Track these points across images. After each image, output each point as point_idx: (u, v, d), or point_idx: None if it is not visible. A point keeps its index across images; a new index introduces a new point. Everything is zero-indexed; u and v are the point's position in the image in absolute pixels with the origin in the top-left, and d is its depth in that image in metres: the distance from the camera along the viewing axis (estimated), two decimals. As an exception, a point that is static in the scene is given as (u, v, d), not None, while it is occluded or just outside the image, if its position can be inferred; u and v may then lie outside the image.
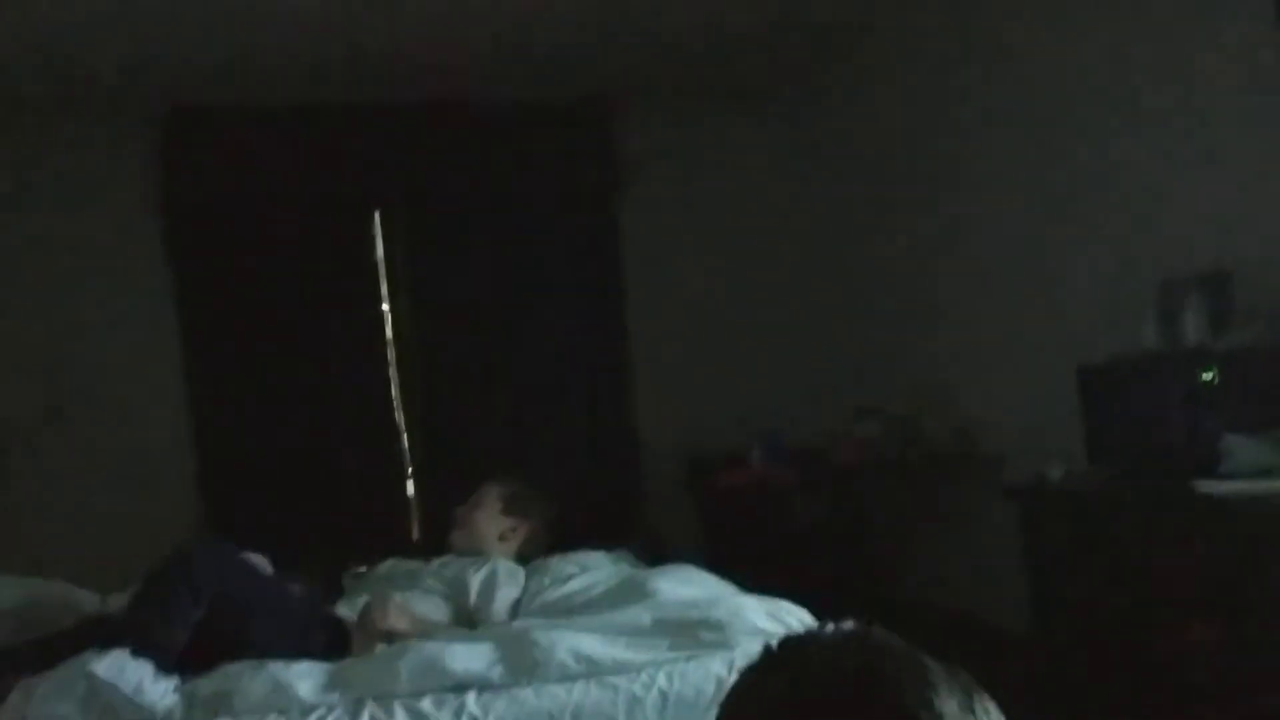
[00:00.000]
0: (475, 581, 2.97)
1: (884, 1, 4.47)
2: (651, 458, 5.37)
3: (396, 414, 5.23)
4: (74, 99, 4.68)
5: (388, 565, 3.48)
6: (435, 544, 4.21)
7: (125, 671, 2.17)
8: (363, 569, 3.90)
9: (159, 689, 2.18)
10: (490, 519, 3.33)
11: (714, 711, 0.92)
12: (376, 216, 5.22)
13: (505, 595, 2.94)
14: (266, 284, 5.03)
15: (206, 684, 2.27)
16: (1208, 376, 2.72)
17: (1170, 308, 3.06)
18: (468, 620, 2.91)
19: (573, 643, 2.27)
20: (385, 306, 5.23)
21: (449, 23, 4.26)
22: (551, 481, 5.09)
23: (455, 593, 3.01)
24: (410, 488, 5.23)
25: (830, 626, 0.97)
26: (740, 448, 4.78)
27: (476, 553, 3.25)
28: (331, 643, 2.60)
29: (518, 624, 2.58)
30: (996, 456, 4.19)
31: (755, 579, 2.82)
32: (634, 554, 3.45)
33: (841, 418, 4.70)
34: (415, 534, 5.17)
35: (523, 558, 3.30)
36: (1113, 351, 3.22)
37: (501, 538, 3.29)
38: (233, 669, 2.30)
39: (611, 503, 5.26)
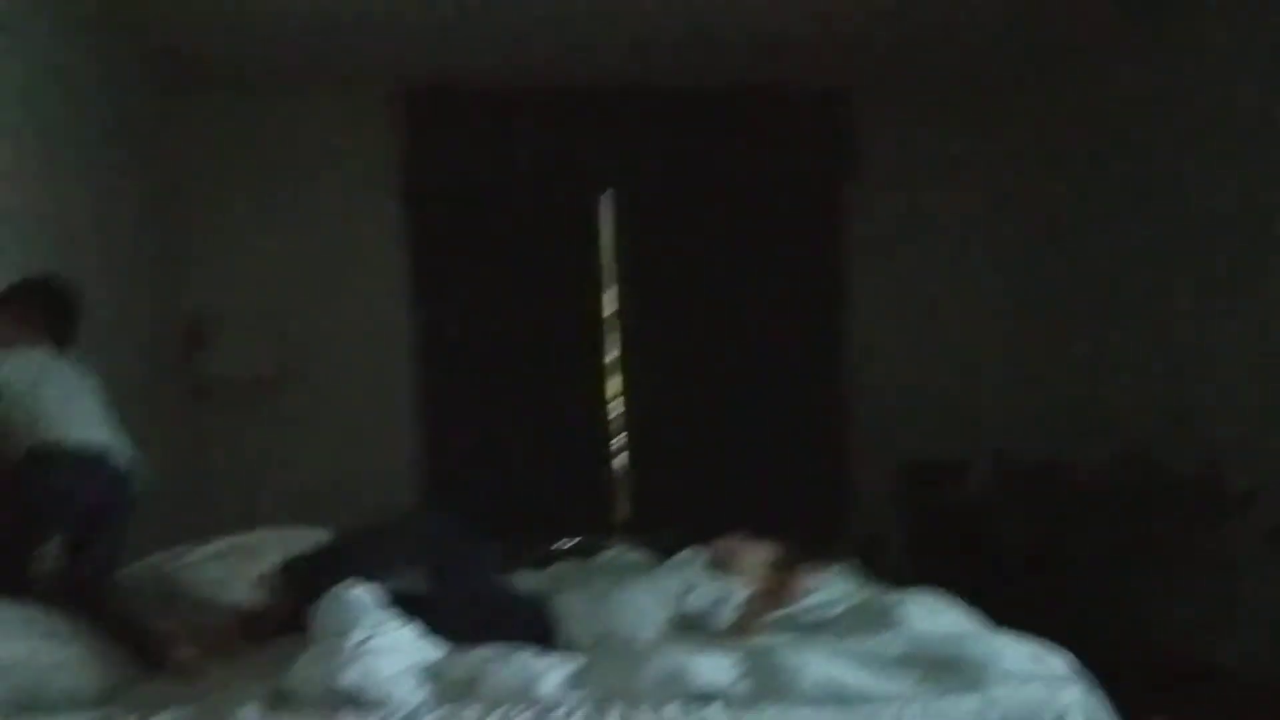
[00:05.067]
0: (710, 591, 2.91)
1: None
2: (862, 462, 5.23)
3: (609, 393, 5.26)
4: (321, 71, 4.82)
5: (610, 555, 3.45)
6: (645, 526, 4.15)
7: (369, 674, 2.18)
8: (566, 544, 3.91)
9: (406, 686, 2.19)
10: (757, 562, 3.23)
11: None
12: (606, 198, 5.25)
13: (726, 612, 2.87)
14: (496, 260, 5.14)
15: (453, 667, 2.29)
16: None
17: None
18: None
19: (822, 667, 2.19)
20: (609, 288, 5.26)
21: (695, 8, 4.22)
22: (754, 479, 5.10)
23: (679, 588, 2.95)
24: (618, 465, 5.24)
25: None
26: (961, 459, 4.59)
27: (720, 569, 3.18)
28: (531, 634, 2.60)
29: (761, 640, 2.53)
30: (1248, 492, 3.89)
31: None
32: (855, 570, 3.32)
33: (1073, 437, 4.45)
34: (622, 514, 5.20)
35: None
36: None
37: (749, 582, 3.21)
38: (480, 655, 2.32)
39: (815, 506, 5.15)
